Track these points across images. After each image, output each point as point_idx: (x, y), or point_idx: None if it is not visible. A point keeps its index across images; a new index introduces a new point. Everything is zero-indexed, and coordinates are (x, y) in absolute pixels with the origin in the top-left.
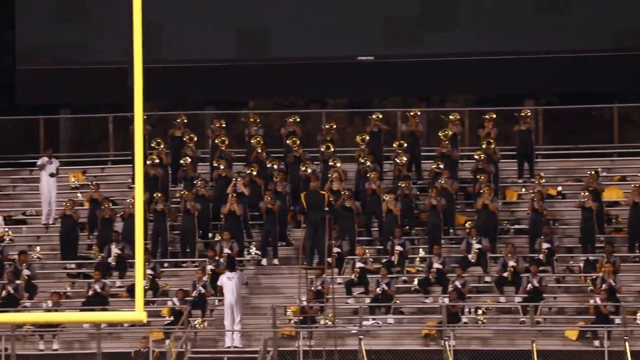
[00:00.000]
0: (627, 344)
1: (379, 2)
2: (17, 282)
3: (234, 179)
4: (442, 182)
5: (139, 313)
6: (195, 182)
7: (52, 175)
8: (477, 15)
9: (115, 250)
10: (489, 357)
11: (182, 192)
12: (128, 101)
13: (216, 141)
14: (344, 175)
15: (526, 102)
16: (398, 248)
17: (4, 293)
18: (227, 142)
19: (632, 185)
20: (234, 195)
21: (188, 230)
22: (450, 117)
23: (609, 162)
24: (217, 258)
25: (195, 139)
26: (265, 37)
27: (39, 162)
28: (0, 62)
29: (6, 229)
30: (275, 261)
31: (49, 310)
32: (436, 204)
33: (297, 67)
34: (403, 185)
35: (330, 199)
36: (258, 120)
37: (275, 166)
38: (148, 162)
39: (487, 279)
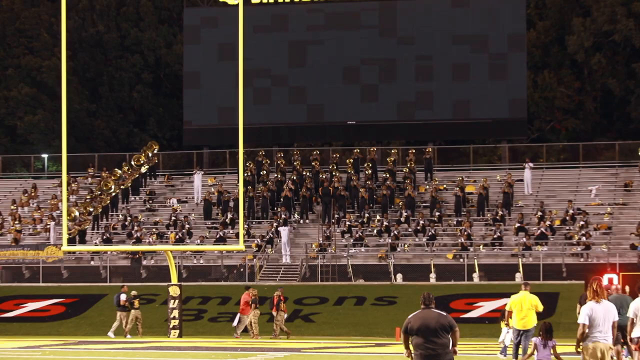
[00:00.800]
0: (475, 260)
1: (355, 85)
2: (183, 230)
3: (287, 181)
4: (388, 182)
5: (240, 246)
6: (267, 182)
7: (198, 179)
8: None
9: (229, 215)
10: (411, 268)
11: (261, 187)
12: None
13: (278, 162)
14: (341, 179)
15: (429, 144)
16: (367, 215)
17: (177, 236)
18: (283, 163)
19: (479, 184)
20: (287, 188)
21: (264, 206)
22: (393, 151)
23: (468, 172)
24: (278, 219)
25: (269, 162)
26: (304, 107)
27: (195, 173)
28: (176, 126)
29: (178, 205)
30: (307, 221)
31: (199, 244)
32: (385, 193)
33: (319, 126)
34: (369, 183)
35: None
36: (298, 152)
37: (308, 174)
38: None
39: (410, 229)
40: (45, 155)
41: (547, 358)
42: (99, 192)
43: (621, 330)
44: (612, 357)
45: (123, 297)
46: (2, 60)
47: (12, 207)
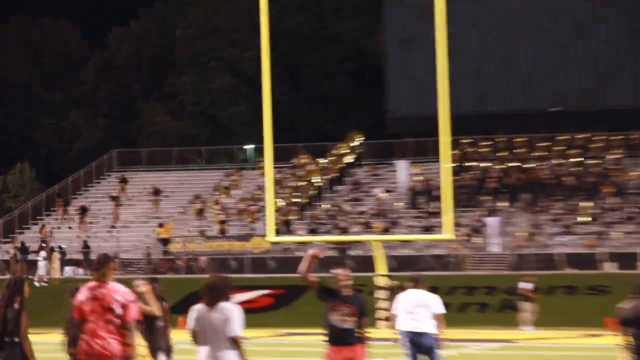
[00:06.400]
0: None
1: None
2: (388, 220)
3: (492, 169)
4: (595, 169)
5: (449, 235)
6: (473, 170)
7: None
8: None
9: (435, 204)
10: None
11: (466, 176)
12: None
13: (483, 150)
14: (547, 166)
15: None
16: (574, 202)
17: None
18: (488, 151)
19: None
20: (493, 176)
21: (470, 194)
22: (598, 137)
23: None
24: (485, 208)
25: (474, 150)
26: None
27: (398, 162)
28: (378, 115)
29: (383, 194)
30: (514, 209)
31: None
32: (593, 180)
33: (523, 113)
34: (575, 170)
35: None
36: (504, 140)
37: None
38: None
39: (620, 217)
40: (248, 147)
41: None
42: (304, 183)
43: None
44: None
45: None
46: (204, 52)
47: (217, 198)
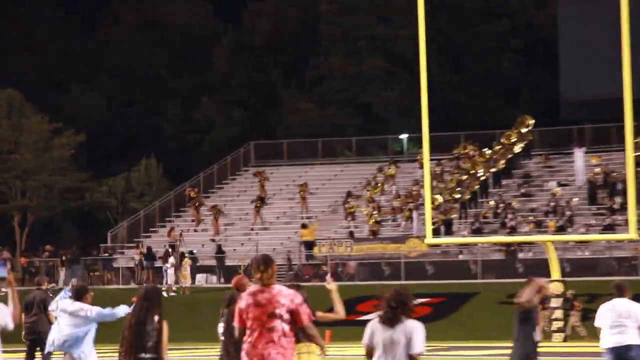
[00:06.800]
0: None
1: None
2: (564, 218)
3: None
4: None
5: (632, 234)
6: None
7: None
8: None
9: (618, 199)
10: None
11: None
12: None
13: None
14: None
15: None
16: None
17: (557, 224)
18: None
19: None
20: None
21: None
22: None
23: None
24: None
25: None
26: None
27: (575, 152)
28: (552, 98)
29: (557, 189)
30: None
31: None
32: None
33: None
34: None
35: None
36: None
37: None
38: None
39: None
40: (404, 137)
41: None
42: (466, 176)
43: None
44: None
45: None
46: (352, 30)
47: (369, 194)
